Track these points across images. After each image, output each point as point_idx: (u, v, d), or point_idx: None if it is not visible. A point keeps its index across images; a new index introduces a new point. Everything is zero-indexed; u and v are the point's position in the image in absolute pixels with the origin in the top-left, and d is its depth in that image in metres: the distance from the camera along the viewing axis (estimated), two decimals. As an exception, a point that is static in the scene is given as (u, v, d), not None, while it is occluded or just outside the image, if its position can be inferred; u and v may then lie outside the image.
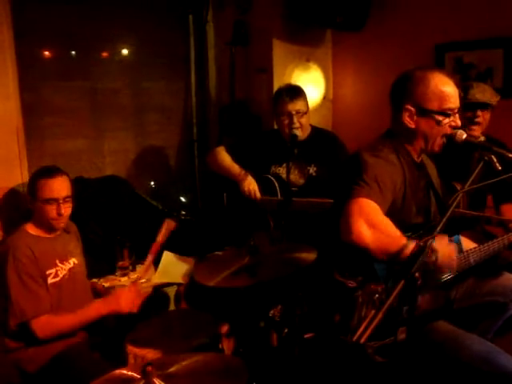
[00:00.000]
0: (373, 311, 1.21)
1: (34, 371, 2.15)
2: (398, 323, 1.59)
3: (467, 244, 2.13)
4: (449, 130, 1.95)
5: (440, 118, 1.92)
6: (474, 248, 2.05)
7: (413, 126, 1.96)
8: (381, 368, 1.83)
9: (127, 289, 2.39)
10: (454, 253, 1.88)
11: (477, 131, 2.67)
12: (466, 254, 2.02)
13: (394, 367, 1.80)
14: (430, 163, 2.19)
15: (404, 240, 1.76)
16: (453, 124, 1.94)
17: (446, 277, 1.93)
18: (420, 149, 2.03)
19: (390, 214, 1.85)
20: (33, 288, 2.15)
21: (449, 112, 1.92)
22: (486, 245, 2.08)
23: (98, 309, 2.27)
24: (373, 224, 1.76)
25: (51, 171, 2.26)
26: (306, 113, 2.95)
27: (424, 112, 1.93)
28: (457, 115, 1.95)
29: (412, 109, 1.94)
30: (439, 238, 1.77)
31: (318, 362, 2.13)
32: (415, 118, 1.95)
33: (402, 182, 1.94)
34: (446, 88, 1.92)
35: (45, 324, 2.13)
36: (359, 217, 1.76)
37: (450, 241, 1.92)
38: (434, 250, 1.71)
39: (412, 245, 1.69)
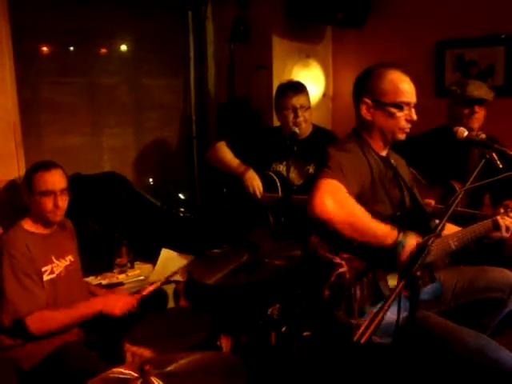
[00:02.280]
0: (373, 312, 1.20)
1: (30, 369, 2.13)
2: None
3: (449, 228, 2.12)
4: (405, 124, 2.02)
5: (394, 110, 2.00)
6: (453, 233, 2.05)
7: (369, 118, 2.05)
8: (376, 359, 1.83)
9: (127, 296, 2.40)
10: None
11: (475, 126, 2.71)
12: (444, 238, 2.01)
13: (390, 361, 1.81)
14: (398, 158, 2.24)
15: (386, 226, 1.82)
16: (408, 118, 2.01)
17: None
18: (381, 142, 2.09)
19: (363, 203, 1.88)
20: (27, 285, 2.13)
21: (402, 105, 1.99)
22: (465, 229, 2.09)
23: (92, 306, 2.27)
24: (338, 200, 1.81)
25: (46, 164, 2.27)
26: (308, 108, 2.94)
27: (379, 104, 2.02)
28: (413, 110, 2.02)
29: (368, 101, 2.04)
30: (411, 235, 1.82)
31: (315, 354, 2.13)
32: (372, 110, 2.04)
33: (368, 172, 2.00)
34: (400, 83, 2.02)
35: (39, 320, 2.11)
36: (324, 192, 1.81)
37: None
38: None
39: (390, 231, 1.80)
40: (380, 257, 1.84)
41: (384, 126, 2.04)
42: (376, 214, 1.88)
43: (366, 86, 2.06)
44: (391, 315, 1.38)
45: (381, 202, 2.00)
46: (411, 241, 1.80)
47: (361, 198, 1.89)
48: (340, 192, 1.82)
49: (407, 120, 2.02)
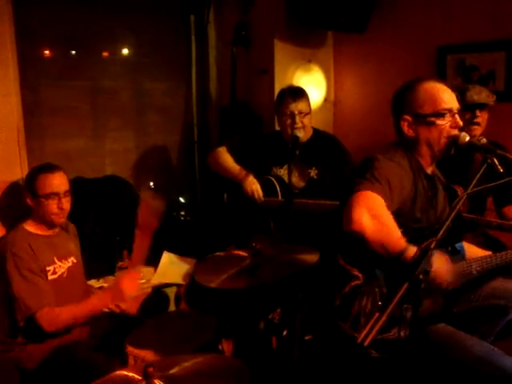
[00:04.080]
0: (377, 314, 1.20)
1: (33, 368, 2.13)
2: (399, 320, 1.58)
3: (473, 250, 2.12)
4: (451, 131, 1.95)
5: (435, 119, 1.94)
6: (478, 258, 2.03)
7: (413, 135, 2.00)
8: (379, 365, 1.83)
9: (128, 274, 2.38)
10: (450, 269, 1.84)
11: (477, 131, 2.70)
12: (468, 263, 1.99)
13: (393, 367, 1.80)
14: (440, 175, 2.20)
15: (404, 241, 1.75)
16: (453, 125, 1.95)
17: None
18: (429, 158, 2.03)
19: (397, 216, 1.84)
20: (34, 281, 2.15)
21: (443, 112, 1.94)
22: (490, 256, 2.06)
23: (100, 298, 2.28)
24: (375, 215, 1.76)
25: (49, 167, 2.29)
26: (308, 113, 2.95)
27: (420, 118, 1.97)
28: (457, 116, 1.96)
29: (408, 117, 1.99)
30: (439, 253, 1.76)
31: (316, 358, 2.12)
32: (413, 126, 1.98)
33: (412, 187, 1.95)
34: (437, 91, 1.97)
35: (49, 315, 2.11)
36: (362, 207, 1.76)
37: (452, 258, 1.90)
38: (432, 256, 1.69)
39: (412, 249, 1.69)
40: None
41: (430, 139, 1.97)
42: (408, 228, 1.86)
43: (404, 103, 2.01)
44: None
45: (415, 221, 1.96)
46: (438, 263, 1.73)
47: (398, 215, 1.86)
48: (380, 208, 1.78)
49: (452, 127, 1.95)
